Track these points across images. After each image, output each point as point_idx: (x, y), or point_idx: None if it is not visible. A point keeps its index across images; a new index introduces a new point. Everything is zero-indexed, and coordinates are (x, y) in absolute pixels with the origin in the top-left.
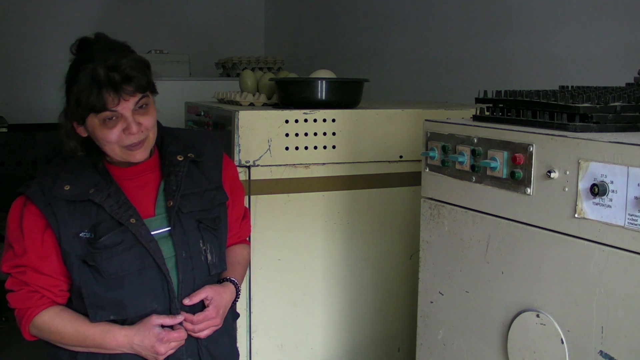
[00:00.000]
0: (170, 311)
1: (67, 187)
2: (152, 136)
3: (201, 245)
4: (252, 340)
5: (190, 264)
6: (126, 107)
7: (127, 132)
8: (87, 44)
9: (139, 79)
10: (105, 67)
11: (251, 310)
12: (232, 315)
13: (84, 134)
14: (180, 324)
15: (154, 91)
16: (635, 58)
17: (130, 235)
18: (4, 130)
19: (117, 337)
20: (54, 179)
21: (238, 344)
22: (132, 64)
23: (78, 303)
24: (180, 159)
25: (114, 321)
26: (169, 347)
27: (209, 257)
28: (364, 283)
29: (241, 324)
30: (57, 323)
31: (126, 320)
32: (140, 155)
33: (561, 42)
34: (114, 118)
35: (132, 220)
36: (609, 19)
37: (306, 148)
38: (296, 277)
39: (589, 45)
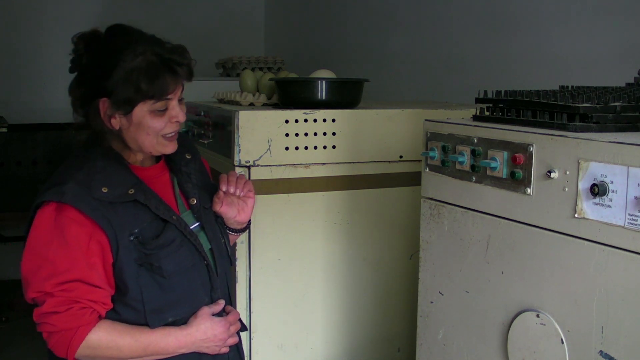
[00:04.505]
0: (212, 302)
1: (105, 190)
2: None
3: (221, 238)
4: (252, 340)
5: (220, 256)
6: (177, 93)
7: (173, 119)
8: (121, 31)
9: (190, 64)
10: (157, 53)
11: (251, 310)
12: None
13: (117, 127)
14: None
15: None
16: (635, 58)
17: (177, 232)
18: (4, 130)
19: (179, 339)
20: (88, 182)
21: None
22: (183, 50)
23: (127, 313)
24: (189, 157)
25: (169, 324)
26: (232, 330)
27: (228, 249)
28: (364, 283)
29: None
30: (115, 337)
31: (178, 321)
32: (172, 146)
33: (561, 42)
34: (164, 108)
35: (174, 218)
36: (609, 19)
37: (306, 148)
38: (296, 277)
39: (589, 45)
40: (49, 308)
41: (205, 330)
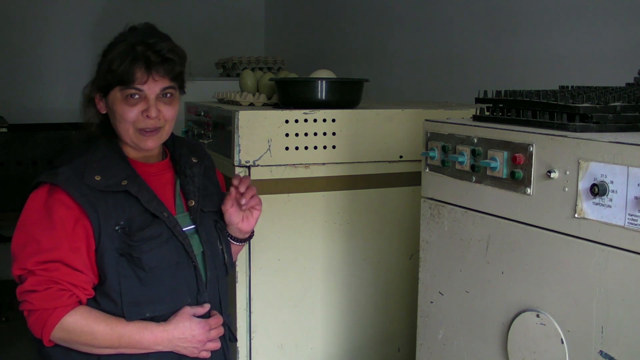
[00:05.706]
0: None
1: (98, 177)
2: (168, 129)
3: (218, 245)
4: (252, 340)
5: (214, 262)
6: (153, 88)
7: (145, 114)
8: (134, 29)
9: (174, 63)
10: (143, 44)
11: (251, 310)
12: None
13: (103, 110)
14: (209, 313)
15: (182, 86)
16: (635, 58)
17: (165, 228)
18: (4, 130)
19: (155, 334)
20: (82, 169)
21: (238, 344)
22: (170, 48)
23: (106, 303)
24: (195, 161)
25: (147, 320)
26: (212, 334)
27: (226, 257)
28: (364, 283)
29: (241, 324)
30: (91, 322)
31: (159, 317)
32: (151, 143)
33: (561, 42)
34: (136, 96)
35: (165, 214)
36: (609, 19)
37: (306, 148)
38: (296, 277)
39: (589, 45)
40: (29, 286)
41: (183, 329)
